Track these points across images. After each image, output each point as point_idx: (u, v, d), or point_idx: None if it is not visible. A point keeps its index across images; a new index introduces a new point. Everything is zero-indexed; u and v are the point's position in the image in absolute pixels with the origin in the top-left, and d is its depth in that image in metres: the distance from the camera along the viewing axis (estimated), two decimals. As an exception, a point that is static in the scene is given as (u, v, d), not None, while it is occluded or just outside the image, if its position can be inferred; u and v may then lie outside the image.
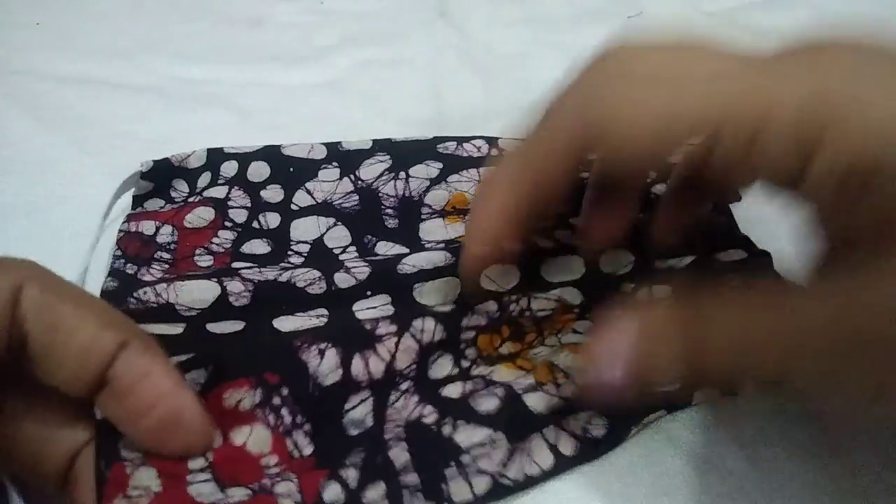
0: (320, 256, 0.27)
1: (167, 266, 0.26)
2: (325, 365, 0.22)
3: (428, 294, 0.25)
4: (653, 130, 0.18)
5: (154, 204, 0.29)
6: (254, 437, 0.21)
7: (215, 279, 0.24)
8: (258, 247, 0.27)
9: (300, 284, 0.24)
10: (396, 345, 0.23)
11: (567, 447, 0.22)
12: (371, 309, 0.24)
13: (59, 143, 0.34)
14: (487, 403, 0.23)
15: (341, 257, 0.27)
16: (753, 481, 0.22)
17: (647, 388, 0.20)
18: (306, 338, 0.22)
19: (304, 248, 0.27)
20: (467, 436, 0.22)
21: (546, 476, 0.22)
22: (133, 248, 0.27)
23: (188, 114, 0.36)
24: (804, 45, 0.17)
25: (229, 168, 0.30)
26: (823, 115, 0.15)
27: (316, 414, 0.22)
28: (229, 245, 0.27)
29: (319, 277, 0.24)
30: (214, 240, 0.27)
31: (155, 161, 0.30)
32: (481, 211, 0.22)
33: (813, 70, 0.16)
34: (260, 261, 0.27)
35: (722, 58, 0.18)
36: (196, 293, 0.24)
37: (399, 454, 0.21)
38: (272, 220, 0.28)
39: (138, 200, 0.29)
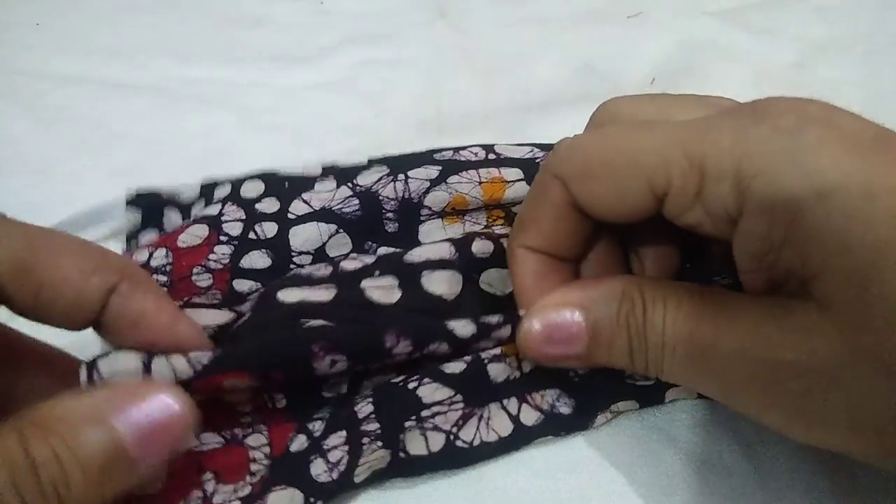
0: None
1: (165, 289, 0.25)
2: (331, 372, 0.22)
3: (436, 283, 0.25)
4: (616, 195, 0.20)
5: (148, 237, 0.28)
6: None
7: (227, 308, 0.24)
8: (258, 259, 0.26)
9: (304, 273, 0.25)
10: (404, 361, 0.23)
11: (529, 418, 0.23)
12: (379, 289, 0.24)
13: (58, 144, 0.34)
14: (454, 367, 0.23)
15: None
16: (753, 481, 0.22)
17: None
18: (323, 345, 0.21)
19: (307, 260, 0.27)
20: (430, 391, 0.23)
21: (506, 445, 0.23)
22: None
23: (188, 114, 0.36)
24: (752, 105, 0.19)
25: (222, 191, 0.29)
26: (755, 167, 0.18)
27: (294, 377, 0.22)
28: (227, 260, 0.26)
29: (325, 265, 0.25)
30: (211, 256, 0.26)
31: (139, 192, 0.29)
32: (518, 293, 0.23)
33: (755, 126, 0.18)
34: (262, 276, 0.26)
35: (682, 115, 0.20)
36: (207, 321, 0.23)
37: (364, 407, 0.23)
38: (269, 229, 0.27)
39: (132, 238, 0.28)
